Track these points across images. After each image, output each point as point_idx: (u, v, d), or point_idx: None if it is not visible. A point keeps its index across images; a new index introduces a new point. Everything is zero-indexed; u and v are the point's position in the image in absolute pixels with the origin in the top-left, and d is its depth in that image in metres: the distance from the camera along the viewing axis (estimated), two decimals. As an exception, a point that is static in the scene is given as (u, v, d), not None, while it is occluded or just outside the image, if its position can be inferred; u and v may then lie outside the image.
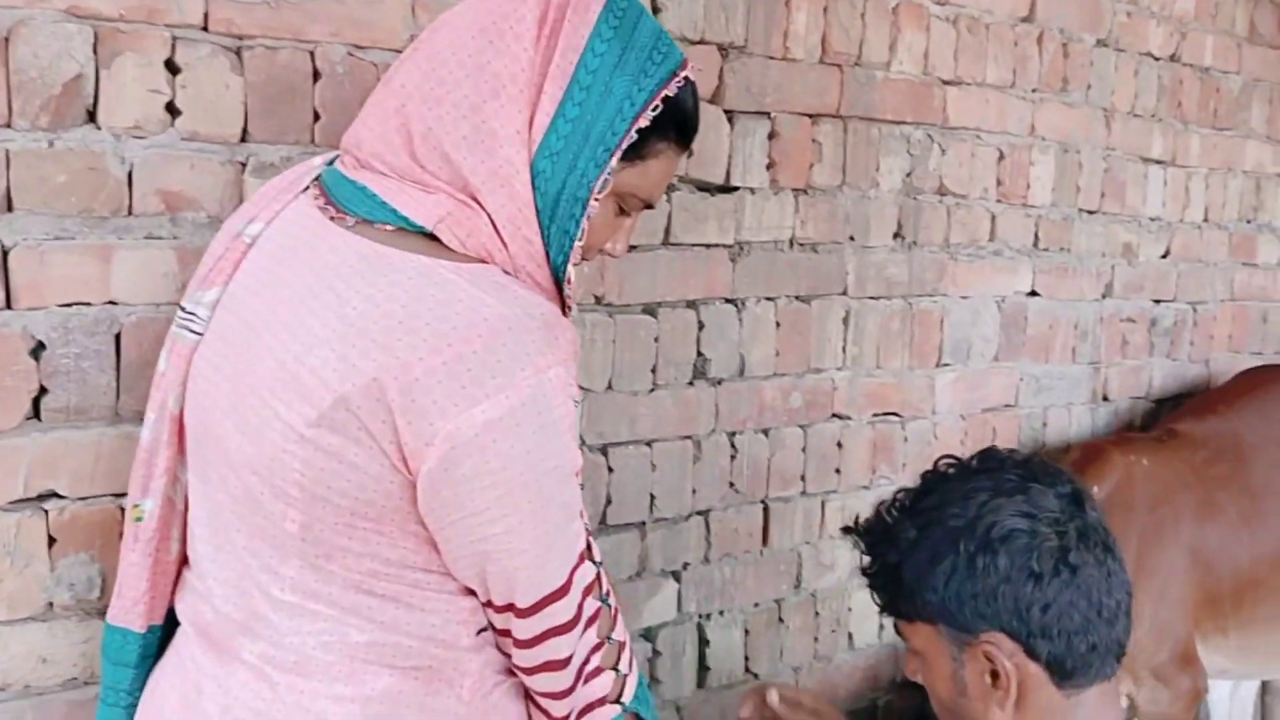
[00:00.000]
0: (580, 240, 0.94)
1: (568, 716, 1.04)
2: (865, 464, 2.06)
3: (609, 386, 1.68)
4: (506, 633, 0.97)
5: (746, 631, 1.93)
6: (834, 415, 1.99)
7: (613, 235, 1.01)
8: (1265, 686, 2.68)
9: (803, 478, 1.97)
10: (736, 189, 1.79)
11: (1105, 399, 2.52)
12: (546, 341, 0.88)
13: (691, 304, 1.76)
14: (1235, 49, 2.71)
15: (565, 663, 0.99)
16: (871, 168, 1.98)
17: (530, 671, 0.99)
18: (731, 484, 1.86)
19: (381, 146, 0.94)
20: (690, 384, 1.78)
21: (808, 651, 2.03)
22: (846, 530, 1.24)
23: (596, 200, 0.92)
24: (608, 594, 1.07)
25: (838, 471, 2.02)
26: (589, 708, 1.06)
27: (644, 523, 1.75)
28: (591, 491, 1.67)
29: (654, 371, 1.73)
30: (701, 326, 1.77)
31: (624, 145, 0.91)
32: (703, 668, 1.87)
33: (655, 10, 1.65)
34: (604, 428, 1.68)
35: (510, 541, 0.90)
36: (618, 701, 1.08)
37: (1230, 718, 2.72)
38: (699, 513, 1.82)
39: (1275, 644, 2.17)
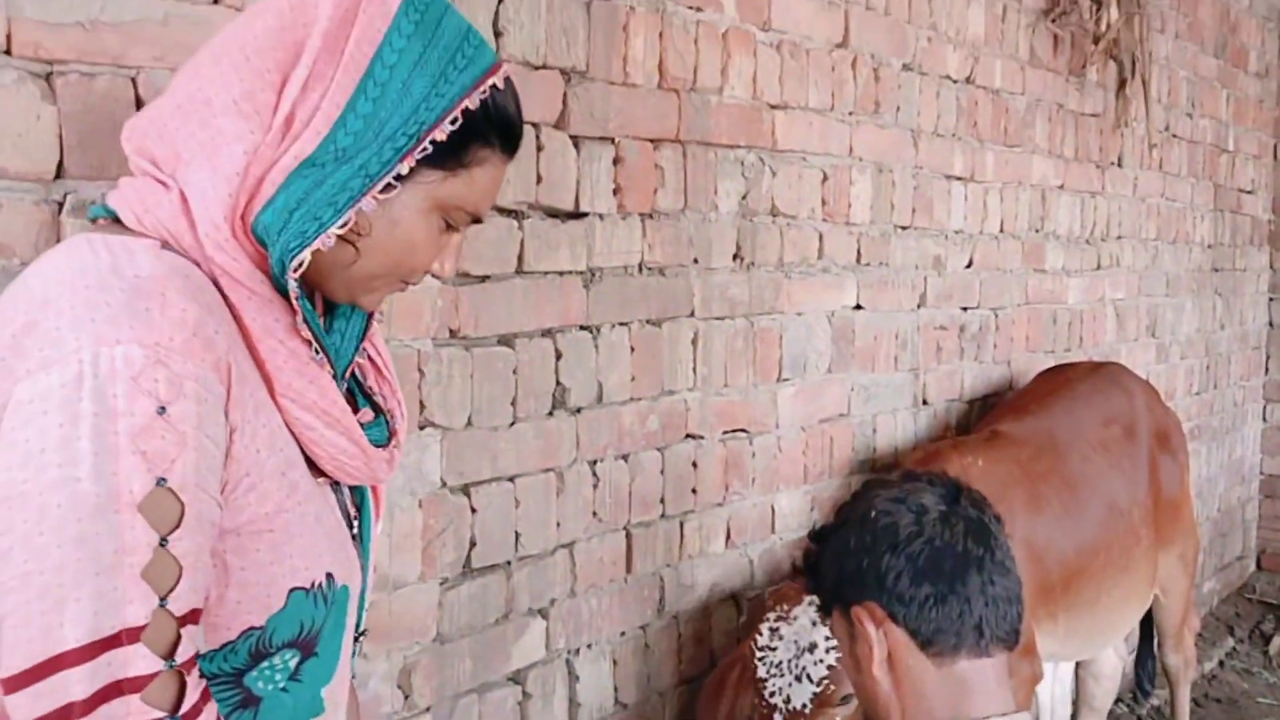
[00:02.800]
0: (334, 229, 0.82)
1: None
2: (719, 482, 2.08)
3: (468, 423, 1.61)
4: None
5: (614, 662, 1.91)
6: (688, 435, 2.00)
7: (439, 254, 0.91)
8: (1079, 664, 2.92)
9: (662, 500, 1.96)
10: (586, 215, 1.77)
11: (925, 403, 2.67)
12: (126, 310, 0.74)
13: (548, 332, 1.72)
14: (1020, 72, 2.95)
15: None
16: (710, 191, 2.01)
17: None
18: (595, 513, 1.83)
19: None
20: (550, 414, 1.74)
21: (673, 675, 2.03)
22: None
23: (376, 199, 0.83)
24: (187, 717, 0.76)
25: (694, 491, 2.03)
26: None
27: (509, 562, 1.69)
28: (456, 535, 1.60)
29: (514, 404, 1.67)
30: (559, 355, 1.74)
31: (418, 149, 0.84)
32: (573, 704, 1.83)
33: (497, 34, 1.61)
34: (464, 467, 1.61)
35: None
36: None
37: (1051, 696, 2.94)
38: (563, 546, 1.78)
39: (1095, 625, 2.37)
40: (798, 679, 1.76)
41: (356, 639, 1.02)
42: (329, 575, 0.88)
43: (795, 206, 2.22)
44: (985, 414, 2.77)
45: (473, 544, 1.63)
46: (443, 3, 0.89)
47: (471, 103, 0.86)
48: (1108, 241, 3.49)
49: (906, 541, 1.14)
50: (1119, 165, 3.51)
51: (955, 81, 2.69)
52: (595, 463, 1.82)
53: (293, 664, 0.87)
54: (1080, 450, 2.43)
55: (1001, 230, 2.93)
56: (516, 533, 1.70)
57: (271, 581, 0.83)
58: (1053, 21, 3.04)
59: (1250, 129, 4.55)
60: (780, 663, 1.77)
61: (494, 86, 0.88)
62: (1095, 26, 3.16)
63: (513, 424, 1.67)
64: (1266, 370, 4.90)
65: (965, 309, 2.81)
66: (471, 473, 1.62)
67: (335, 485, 0.94)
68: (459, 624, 1.62)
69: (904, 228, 2.56)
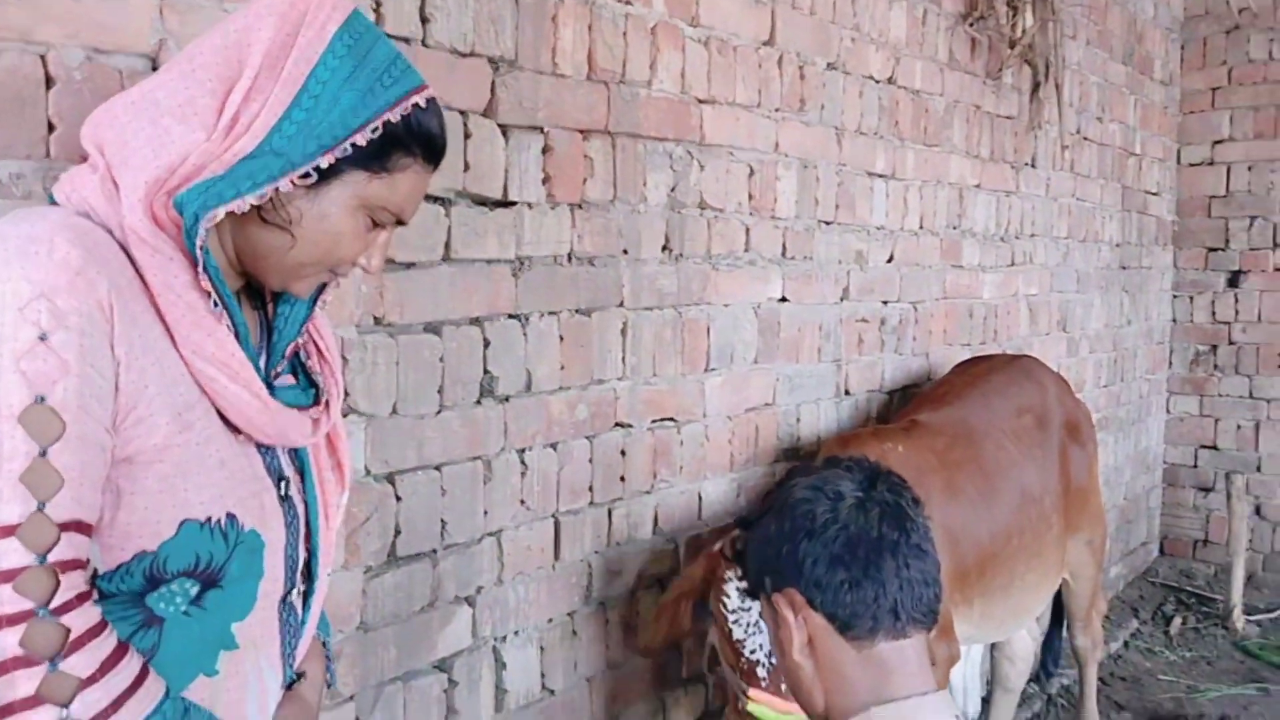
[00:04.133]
0: (250, 198, 0.92)
1: None
2: (647, 469, 2.11)
3: (393, 411, 1.61)
4: None
5: (541, 649, 1.92)
6: (617, 424, 2.02)
7: (366, 249, 1.02)
8: (994, 646, 3.02)
9: (590, 488, 1.98)
10: (515, 203, 1.78)
11: (847, 393, 2.73)
12: (18, 254, 0.85)
13: (476, 321, 1.72)
14: (939, 73, 3.03)
15: None
16: (640, 183, 2.03)
17: None
18: (523, 501, 1.84)
19: None
20: (478, 403, 1.74)
21: (600, 661, 2.05)
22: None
23: (294, 183, 0.94)
24: (60, 610, 0.84)
25: (622, 479, 2.05)
26: None
27: (435, 550, 1.69)
28: (380, 523, 1.60)
29: (440, 392, 1.67)
30: (487, 344, 1.74)
31: (339, 148, 0.94)
32: (500, 690, 1.84)
33: (424, 20, 1.61)
34: (389, 454, 1.60)
35: None
36: None
37: (964, 677, 3.03)
38: (490, 534, 1.79)
39: (1008, 609, 2.45)
40: None
41: (307, 600, 1.10)
42: (230, 515, 0.96)
43: (723, 200, 2.26)
44: (904, 404, 2.85)
45: (398, 532, 1.63)
46: (375, 31, 1.01)
47: (394, 115, 0.97)
48: (1021, 239, 3.61)
49: (822, 528, 1.16)
50: (1033, 166, 3.63)
51: (877, 82, 2.76)
52: (524, 451, 1.83)
53: (193, 592, 0.95)
54: (995, 439, 2.51)
55: (921, 227, 3.01)
56: (443, 520, 1.69)
57: (161, 509, 0.91)
58: (970, 25, 3.13)
59: (1155, 133, 4.74)
60: (756, 621, 1.79)
61: (416, 105, 0.99)
62: (1011, 31, 3.26)
63: (439, 412, 1.67)
64: (1170, 365, 5.11)
65: (886, 302, 2.88)
66: (397, 460, 1.62)
67: (264, 448, 1.03)
68: (383, 612, 1.61)
69: (828, 223, 2.61)
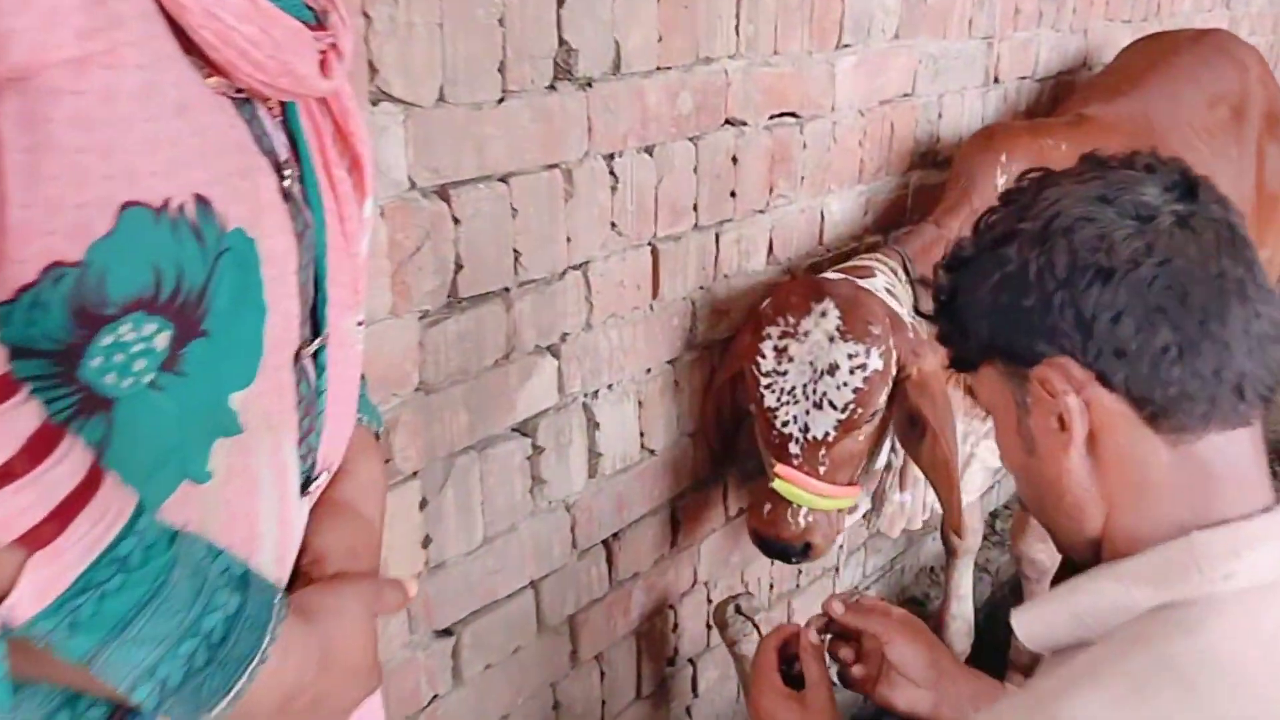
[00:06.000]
0: None
1: None
2: (763, 181, 1.65)
3: (440, 98, 1.14)
4: None
5: (640, 404, 1.56)
6: (728, 121, 1.54)
7: None
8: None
9: (695, 207, 1.53)
10: None
11: (996, 80, 2.19)
12: None
13: (546, -33, 1.21)
14: None
15: None
16: None
17: None
18: (613, 224, 1.41)
19: None
20: (552, 88, 1.26)
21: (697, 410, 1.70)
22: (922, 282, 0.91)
23: None
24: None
25: (733, 195, 1.59)
26: None
27: (508, 289, 1.28)
28: (435, 254, 1.18)
29: (502, 71, 1.20)
30: (561, 1, 1.24)
31: None
32: (593, 454, 1.50)
33: None
34: (439, 160, 1.16)
35: None
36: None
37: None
38: (575, 267, 1.37)
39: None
40: (816, 406, 1.43)
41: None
42: (201, 199, 0.56)
43: None
44: (1060, 95, 2.31)
45: (458, 266, 1.21)
46: None
47: None
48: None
49: (1129, 265, 0.74)
50: None
51: None
52: (612, 157, 1.37)
53: (160, 341, 0.55)
54: (1182, 136, 2.00)
55: None
56: (515, 251, 1.28)
57: (83, 182, 0.51)
58: None
59: None
60: (793, 388, 1.43)
61: None
62: None
63: (501, 100, 1.20)
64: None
65: (1044, -38, 2.26)
66: (450, 169, 1.17)
67: (246, 105, 0.62)
68: (448, 368, 1.24)
69: None
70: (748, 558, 1.90)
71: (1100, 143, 1.86)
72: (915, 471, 1.81)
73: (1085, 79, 2.35)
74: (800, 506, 1.47)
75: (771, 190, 1.67)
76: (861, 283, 1.51)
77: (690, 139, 1.48)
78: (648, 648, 1.72)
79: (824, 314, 1.44)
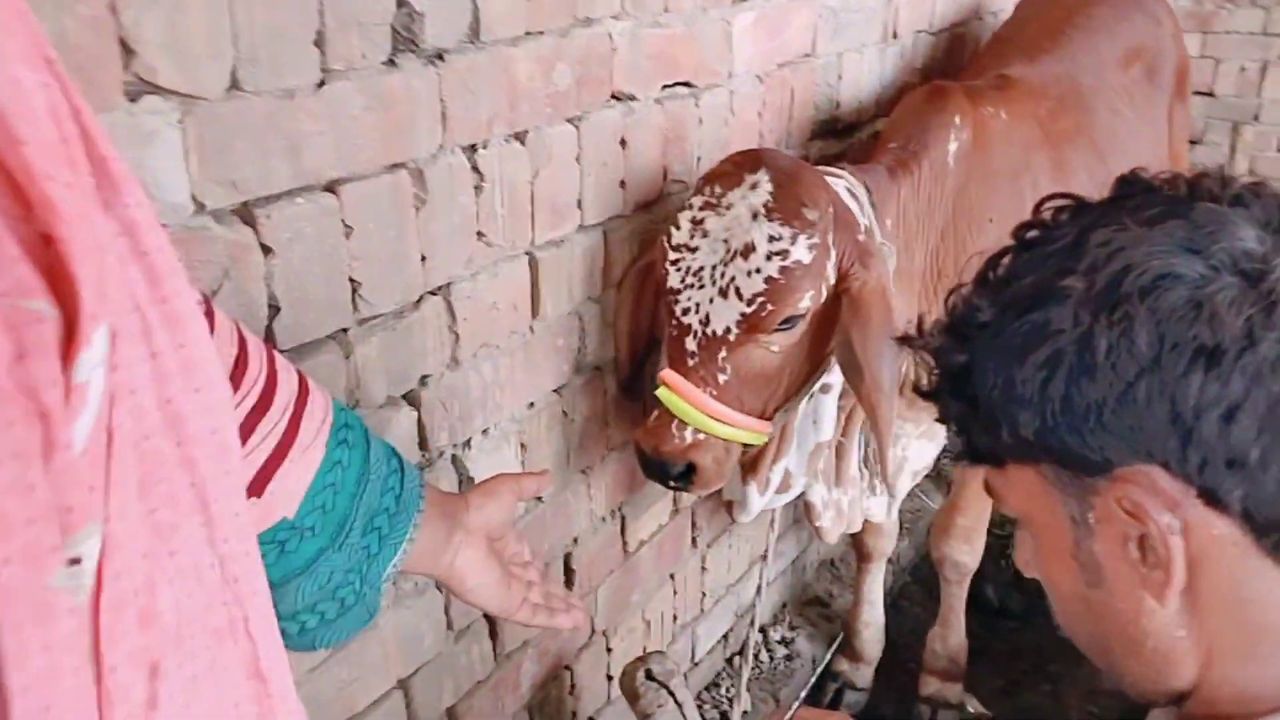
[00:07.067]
0: None
1: None
2: (655, 166, 1.37)
3: (233, 85, 0.82)
4: None
5: (522, 446, 1.28)
6: (614, 96, 1.26)
7: None
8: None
9: (579, 204, 1.25)
10: None
11: (895, 35, 1.97)
12: None
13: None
14: None
15: None
16: None
17: None
18: (480, 234, 1.11)
19: None
20: (391, 63, 0.95)
21: (601, 446, 1.43)
22: (904, 340, 0.72)
23: None
24: None
25: (623, 185, 1.32)
26: None
27: (345, 330, 0.98)
28: (238, 296, 0.86)
29: (320, 45, 0.88)
30: None
31: None
32: (467, 515, 1.21)
33: None
34: (238, 171, 0.84)
35: None
36: None
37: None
38: (434, 292, 1.07)
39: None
40: (722, 294, 1.17)
41: None
42: None
43: None
44: (954, 49, 2.11)
45: (274, 310, 0.90)
46: None
47: None
48: None
49: (1243, 339, 0.54)
50: None
51: None
52: (474, 149, 1.07)
53: None
54: (1107, 100, 1.83)
55: None
56: (352, 281, 0.96)
57: None
58: None
59: None
60: (700, 269, 1.18)
61: None
62: None
63: (322, 84, 0.89)
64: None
65: (939, -97, 2.04)
66: (253, 182, 0.85)
67: None
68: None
69: None
70: (648, 593, 1.67)
71: (1031, 109, 1.69)
72: (853, 469, 1.60)
73: (987, 33, 2.16)
74: (686, 424, 1.20)
75: (666, 176, 1.40)
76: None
77: (570, 120, 1.20)
78: None
79: (754, 186, 1.17)
